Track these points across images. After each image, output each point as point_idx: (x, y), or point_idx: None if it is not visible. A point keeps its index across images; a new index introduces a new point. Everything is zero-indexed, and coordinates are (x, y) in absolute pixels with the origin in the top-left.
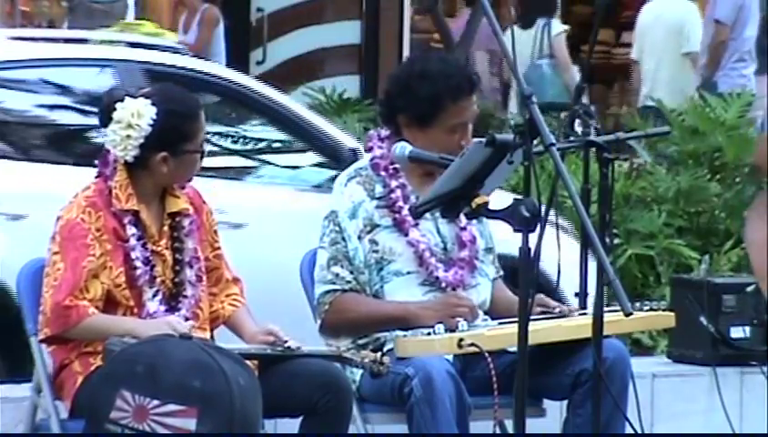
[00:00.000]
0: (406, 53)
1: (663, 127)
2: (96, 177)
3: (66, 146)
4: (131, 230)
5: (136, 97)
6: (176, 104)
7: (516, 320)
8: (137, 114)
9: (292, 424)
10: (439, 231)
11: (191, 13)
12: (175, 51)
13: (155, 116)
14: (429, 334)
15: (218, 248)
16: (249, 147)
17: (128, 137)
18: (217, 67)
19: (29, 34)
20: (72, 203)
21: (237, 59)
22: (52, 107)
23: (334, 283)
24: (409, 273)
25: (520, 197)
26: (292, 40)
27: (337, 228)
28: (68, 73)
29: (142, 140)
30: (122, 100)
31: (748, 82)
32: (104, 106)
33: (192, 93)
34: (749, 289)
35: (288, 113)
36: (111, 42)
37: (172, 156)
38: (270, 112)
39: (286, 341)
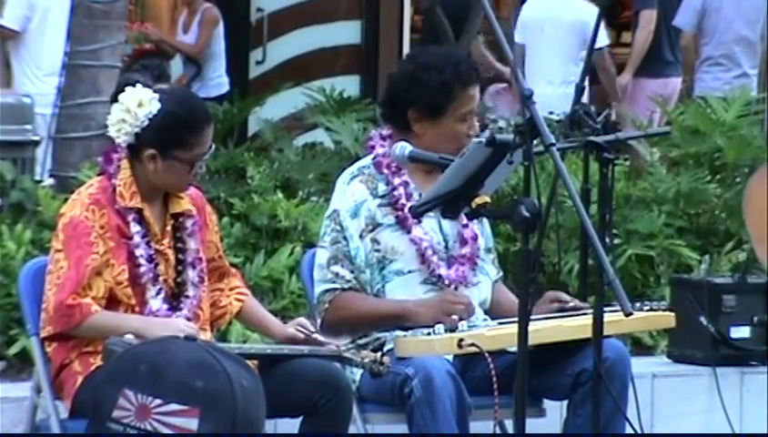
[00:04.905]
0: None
1: (664, 127)
2: (99, 175)
3: None
4: (135, 228)
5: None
6: (183, 110)
7: (517, 319)
8: (139, 102)
9: (292, 424)
10: (441, 229)
11: (191, 13)
12: None
13: (155, 112)
14: (429, 334)
15: (221, 247)
16: None
17: (123, 120)
18: None
19: None
20: (75, 200)
21: (237, 59)
22: None
23: (334, 282)
24: (410, 272)
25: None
26: (292, 40)
27: (338, 228)
28: None
29: (137, 130)
30: (134, 85)
31: (725, 85)
32: (117, 86)
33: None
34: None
35: None
36: None
37: (161, 157)
38: None
39: (313, 332)
